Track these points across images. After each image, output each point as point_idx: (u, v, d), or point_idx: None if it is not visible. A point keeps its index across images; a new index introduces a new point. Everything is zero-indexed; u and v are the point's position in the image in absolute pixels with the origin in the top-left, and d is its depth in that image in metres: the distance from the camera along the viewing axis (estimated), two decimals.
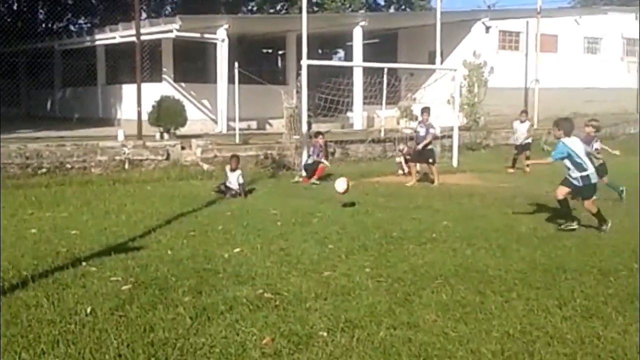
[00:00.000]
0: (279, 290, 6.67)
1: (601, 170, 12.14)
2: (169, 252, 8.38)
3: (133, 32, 21.56)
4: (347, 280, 7.09)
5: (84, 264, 7.57)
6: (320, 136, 16.56)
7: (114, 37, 23.82)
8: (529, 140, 18.81)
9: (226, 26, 20.89)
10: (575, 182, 10.14)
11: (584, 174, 10.06)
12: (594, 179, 10.19)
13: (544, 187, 15.19)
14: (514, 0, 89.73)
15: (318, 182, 15.49)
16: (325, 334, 5.44)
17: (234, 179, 13.66)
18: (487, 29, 27.09)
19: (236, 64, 19.12)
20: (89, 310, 5.86)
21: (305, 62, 16.72)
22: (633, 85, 31.83)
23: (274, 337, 5.31)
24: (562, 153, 10.11)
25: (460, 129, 20.79)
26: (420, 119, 16.43)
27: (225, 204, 12.43)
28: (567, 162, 10.13)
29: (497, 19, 27.50)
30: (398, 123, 22.85)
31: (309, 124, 17.75)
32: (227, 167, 14.07)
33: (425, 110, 16.35)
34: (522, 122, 19.06)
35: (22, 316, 5.70)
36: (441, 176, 16.64)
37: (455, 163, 19.40)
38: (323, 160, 16.20)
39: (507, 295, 6.56)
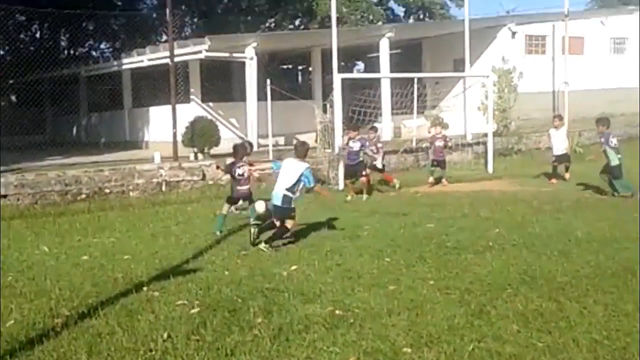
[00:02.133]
0: (349, 307, 6.55)
1: None
2: (226, 272, 8.31)
3: (160, 55, 21.79)
4: (415, 294, 6.96)
5: (145, 288, 7.50)
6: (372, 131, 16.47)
7: (142, 61, 23.91)
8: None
9: (254, 44, 20.88)
10: None
11: None
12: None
13: (585, 190, 15.02)
14: (536, 4, 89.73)
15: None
16: (409, 350, 5.31)
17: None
18: (513, 34, 26.90)
19: (268, 81, 19.12)
20: (165, 336, 5.77)
21: (338, 75, 16.66)
22: None
23: (358, 356, 5.20)
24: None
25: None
26: (349, 135, 15.72)
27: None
28: None
29: (522, 23, 27.31)
30: (429, 132, 22.67)
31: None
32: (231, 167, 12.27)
33: (352, 126, 16.13)
34: (557, 128, 17.57)
35: (100, 346, 5.63)
36: (479, 183, 16.55)
37: (490, 169, 19.22)
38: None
39: (583, 302, 6.41)
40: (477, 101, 23.32)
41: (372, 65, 31.96)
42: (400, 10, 44.47)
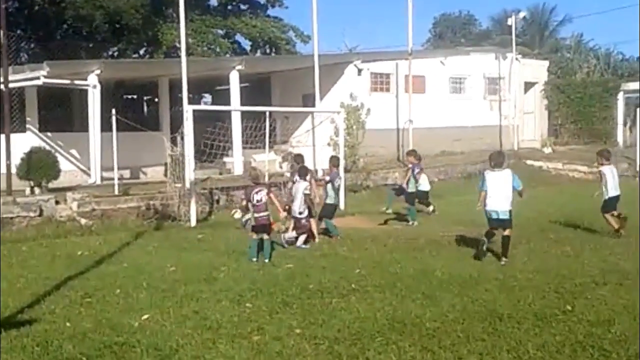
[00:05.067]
0: None
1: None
2: (68, 324, 7.45)
3: None
4: (282, 345, 6.49)
5: None
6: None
7: None
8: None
9: (98, 71, 19.73)
10: None
11: None
12: None
13: (436, 227, 15.23)
14: (380, 42, 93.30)
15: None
16: None
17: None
18: (359, 71, 27.25)
19: (113, 111, 18.10)
20: None
21: (190, 107, 16.04)
22: (495, 122, 33.13)
23: None
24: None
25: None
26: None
27: (116, 262, 11.40)
28: None
29: (368, 61, 27.75)
30: (281, 167, 22.46)
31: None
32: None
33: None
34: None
35: None
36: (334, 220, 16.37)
37: (342, 206, 19.14)
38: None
39: (457, 351, 6.19)
40: (326, 137, 23.40)
41: (220, 98, 31.38)
42: (247, 44, 44.25)
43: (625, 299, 7.99)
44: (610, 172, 13.50)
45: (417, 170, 16.69)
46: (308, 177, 13.20)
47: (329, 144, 22.79)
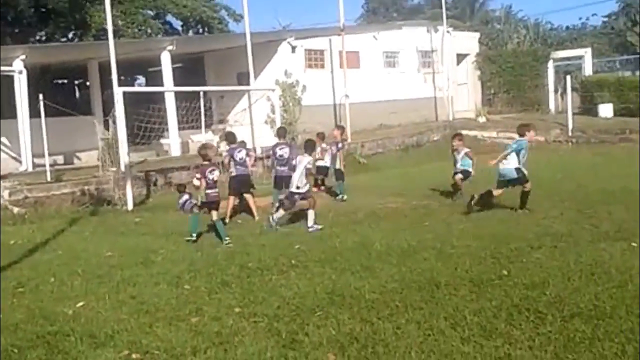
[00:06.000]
0: (148, 348, 5.86)
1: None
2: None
3: None
4: (220, 325, 6.41)
5: None
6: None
7: None
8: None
9: (23, 57, 19.11)
10: None
11: None
12: None
13: (375, 200, 15.31)
14: (314, 19, 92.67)
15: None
16: None
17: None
18: (293, 48, 27.09)
19: (41, 96, 17.56)
20: None
21: (120, 89, 15.65)
22: (430, 94, 33.41)
23: None
24: None
25: None
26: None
27: (50, 250, 11.12)
28: None
29: (301, 38, 27.60)
30: (219, 146, 22.18)
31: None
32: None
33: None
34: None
35: None
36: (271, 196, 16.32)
37: None
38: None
39: (396, 321, 6.20)
40: (263, 115, 23.26)
41: (154, 79, 30.81)
42: (178, 25, 43.49)
43: (559, 261, 8.15)
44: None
45: (341, 147, 16.58)
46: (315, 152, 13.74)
47: (266, 122, 22.65)
